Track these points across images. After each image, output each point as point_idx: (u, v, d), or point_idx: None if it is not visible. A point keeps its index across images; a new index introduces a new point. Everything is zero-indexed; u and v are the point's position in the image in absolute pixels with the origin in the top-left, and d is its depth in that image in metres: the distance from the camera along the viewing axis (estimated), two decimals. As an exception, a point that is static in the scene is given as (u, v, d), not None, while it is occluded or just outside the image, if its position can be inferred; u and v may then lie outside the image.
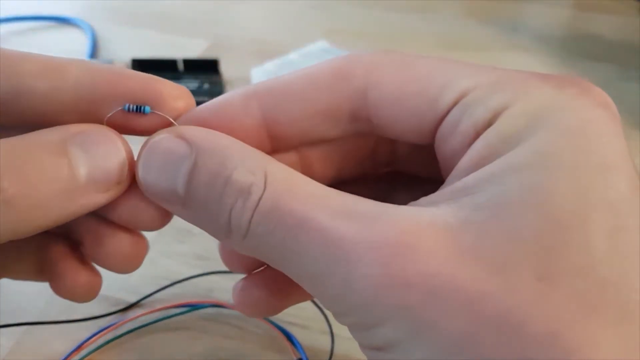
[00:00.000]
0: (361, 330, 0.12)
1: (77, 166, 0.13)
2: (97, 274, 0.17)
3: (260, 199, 0.13)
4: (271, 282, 0.16)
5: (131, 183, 0.15)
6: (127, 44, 0.46)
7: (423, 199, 0.13)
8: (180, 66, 0.39)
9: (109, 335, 0.23)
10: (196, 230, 0.29)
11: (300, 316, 0.25)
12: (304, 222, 0.12)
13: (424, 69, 0.14)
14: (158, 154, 0.14)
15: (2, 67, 0.14)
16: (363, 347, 0.13)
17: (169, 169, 0.13)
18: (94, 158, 0.14)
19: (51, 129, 0.14)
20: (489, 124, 0.13)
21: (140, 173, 0.14)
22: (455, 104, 0.13)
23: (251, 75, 0.40)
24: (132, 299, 0.25)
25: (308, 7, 0.53)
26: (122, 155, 0.14)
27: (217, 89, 0.38)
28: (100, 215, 0.16)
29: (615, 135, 0.12)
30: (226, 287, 0.26)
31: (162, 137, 0.14)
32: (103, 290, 0.25)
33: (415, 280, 0.11)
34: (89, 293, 0.17)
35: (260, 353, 0.23)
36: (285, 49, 0.43)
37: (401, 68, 0.14)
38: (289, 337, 0.23)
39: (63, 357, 0.22)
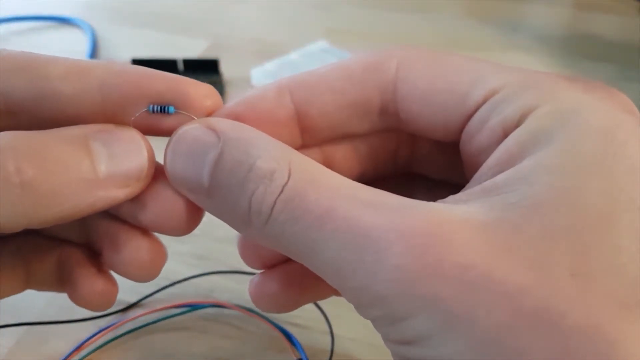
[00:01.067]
0: (388, 323, 0.12)
1: (98, 160, 0.13)
2: (114, 283, 0.17)
3: (284, 186, 0.12)
4: (288, 277, 0.16)
5: (158, 182, 0.15)
6: (127, 44, 0.46)
7: (450, 197, 0.13)
8: (181, 66, 0.39)
9: (109, 335, 0.23)
10: (197, 230, 0.29)
11: (301, 316, 0.25)
12: (330, 211, 0.12)
13: (454, 66, 0.14)
14: (186, 143, 0.14)
15: (27, 70, 0.14)
16: (389, 342, 0.13)
17: (196, 157, 0.13)
18: (115, 154, 0.14)
19: (74, 126, 0.14)
20: (518, 123, 0.13)
21: (168, 161, 0.14)
22: (484, 101, 0.14)
23: (251, 75, 0.40)
24: (132, 299, 0.25)
25: (308, 7, 0.53)
26: (143, 153, 0.14)
27: (217, 89, 0.38)
28: (122, 220, 0.16)
29: None
30: (226, 287, 0.26)
31: (192, 127, 0.14)
32: (103, 290, 0.25)
33: (450, 272, 0.11)
34: (104, 301, 0.17)
35: (260, 353, 0.23)
36: (285, 49, 0.43)
37: (431, 64, 0.14)
38: (289, 337, 0.23)
39: (63, 357, 0.22)
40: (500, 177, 0.12)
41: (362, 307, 0.12)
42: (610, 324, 0.10)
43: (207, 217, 0.31)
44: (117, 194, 0.14)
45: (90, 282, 0.17)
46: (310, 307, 0.25)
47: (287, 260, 0.17)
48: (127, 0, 0.53)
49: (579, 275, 0.11)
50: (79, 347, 0.23)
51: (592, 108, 0.13)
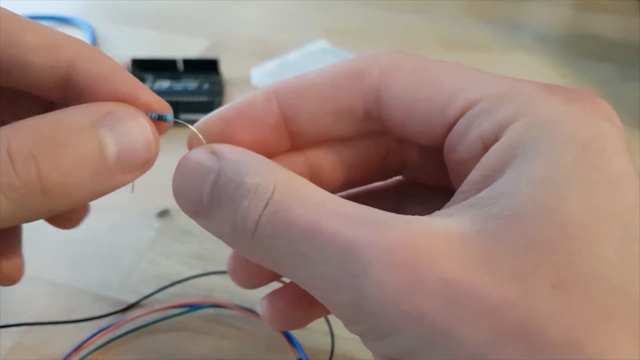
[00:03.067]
0: (374, 339, 0.12)
1: (107, 149, 0.13)
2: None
3: (268, 200, 0.13)
4: (296, 295, 0.17)
5: None
6: (127, 43, 0.46)
7: (437, 212, 0.13)
8: (180, 66, 0.39)
9: (109, 336, 0.23)
10: (196, 230, 0.29)
11: (300, 316, 0.25)
12: (315, 225, 0.12)
13: (436, 75, 0.14)
14: (190, 166, 0.14)
15: (2, 33, 0.14)
16: (377, 357, 0.13)
17: (197, 180, 0.14)
18: (124, 139, 0.14)
19: (80, 108, 0.14)
20: (496, 136, 0.13)
21: (175, 185, 0.14)
22: (462, 114, 0.14)
23: (251, 75, 0.40)
24: (132, 299, 0.25)
25: (308, 7, 0.53)
26: (149, 134, 0.14)
27: (217, 89, 0.38)
28: None
29: (621, 150, 0.12)
30: (226, 287, 0.26)
31: (197, 152, 0.14)
32: (103, 291, 0.25)
33: (432, 287, 0.11)
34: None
35: (260, 353, 0.23)
36: (285, 48, 0.43)
37: (414, 72, 0.14)
38: (288, 337, 0.23)
39: (63, 357, 0.22)
40: (483, 192, 0.12)
41: (349, 323, 0.13)
42: (592, 337, 0.10)
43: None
44: (125, 179, 0.14)
45: None
46: (310, 307, 0.25)
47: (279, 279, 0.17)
48: (126, 0, 0.53)
49: (560, 285, 0.11)
50: (78, 348, 0.23)
51: (570, 119, 0.13)
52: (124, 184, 0.14)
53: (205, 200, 0.14)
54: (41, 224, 0.28)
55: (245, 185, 0.13)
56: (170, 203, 0.30)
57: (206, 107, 0.36)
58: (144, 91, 0.15)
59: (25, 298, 0.25)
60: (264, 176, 0.13)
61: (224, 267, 0.27)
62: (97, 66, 0.14)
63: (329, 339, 0.23)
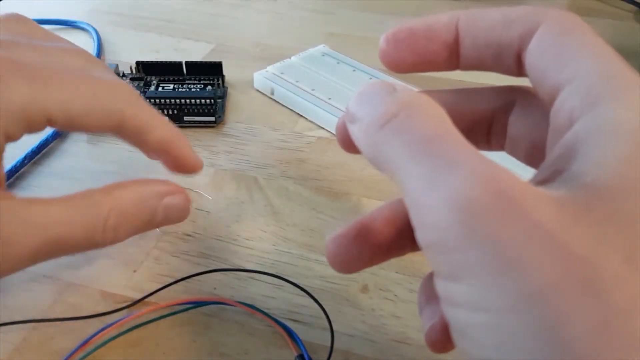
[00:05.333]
0: (440, 251, 0.12)
1: (156, 223, 0.21)
2: None
3: (404, 103, 0.14)
4: (361, 236, 0.17)
5: None
6: (132, 47, 0.47)
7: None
8: (184, 69, 0.40)
9: (114, 332, 0.24)
10: (200, 230, 0.30)
11: (302, 313, 0.25)
12: (434, 138, 0.13)
13: (570, 46, 0.15)
14: (373, 87, 0.15)
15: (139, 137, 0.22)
16: (438, 276, 0.13)
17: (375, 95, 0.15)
18: (169, 219, 0.22)
19: (153, 186, 0.21)
20: (588, 111, 0.13)
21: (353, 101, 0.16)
22: (566, 84, 0.14)
23: (253, 78, 0.41)
24: (137, 296, 0.25)
25: (309, 12, 0.53)
26: (188, 210, 0.22)
27: (219, 92, 0.39)
28: None
29: None
30: (229, 284, 0.26)
31: (377, 80, 0.16)
32: (108, 288, 0.26)
33: (514, 217, 0.11)
34: None
35: (261, 349, 0.24)
36: (286, 52, 0.43)
37: (561, 33, 0.15)
38: (290, 333, 0.24)
39: (69, 354, 0.23)
40: (573, 166, 0.13)
41: (424, 227, 0.13)
42: None
43: (209, 218, 0.32)
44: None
45: None
46: (311, 303, 0.25)
47: (370, 259, 0.17)
48: (132, 4, 0.53)
49: (633, 262, 0.11)
50: (84, 344, 0.23)
51: None
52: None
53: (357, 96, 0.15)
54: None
55: (397, 93, 0.15)
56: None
57: (209, 110, 0.36)
58: (182, 146, 0.23)
59: (32, 295, 0.26)
60: (405, 89, 0.15)
61: (226, 265, 0.27)
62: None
63: (329, 335, 0.24)
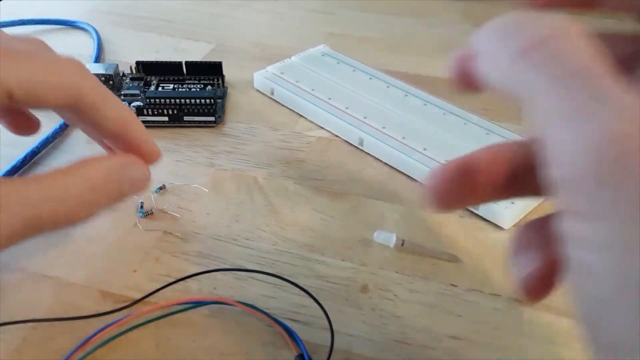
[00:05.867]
0: (579, 189, 0.12)
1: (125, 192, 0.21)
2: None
3: (555, 34, 0.13)
4: (466, 173, 0.16)
5: None
6: (132, 47, 0.47)
7: None
8: (184, 69, 0.40)
9: (114, 332, 0.24)
10: (200, 230, 0.30)
11: (302, 313, 0.25)
12: (582, 71, 0.12)
13: None
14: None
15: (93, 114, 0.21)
16: (568, 215, 0.13)
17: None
18: (135, 186, 0.21)
19: (100, 165, 0.20)
20: None
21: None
22: None
23: (253, 78, 0.41)
24: (137, 296, 0.25)
25: (309, 12, 0.53)
26: (148, 180, 0.22)
27: (219, 92, 0.39)
28: None
29: None
30: (229, 284, 0.26)
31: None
32: (108, 288, 0.26)
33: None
34: None
35: (261, 348, 0.24)
36: (286, 52, 0.43)
37: None
38: (290, 333, 0.24)
39: (69, 353, 0.23)
40: None
41: (562, 163, 0.12)
42: None
43: (209, 218, 0.32)
44: (132, 195, 0.21)
45: None
46: (311, 303, 0.25)
47: (468, 198, 0.17)
48: (132, 4, 0.53)
49: None
50: (84, 343, 0.23)
51: None
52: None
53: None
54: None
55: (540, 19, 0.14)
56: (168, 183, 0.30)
57: (209, 110, 0.36)
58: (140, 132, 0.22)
59: (32, 295, 0.26)
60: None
61: (226, 265, 0.27)
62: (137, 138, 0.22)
63: (329, 335, 0.24)
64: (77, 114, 0.21)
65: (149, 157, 0.22)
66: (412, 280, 0.27)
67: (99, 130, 0.22)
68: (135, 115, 0.23)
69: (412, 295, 0.26)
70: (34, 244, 0.28)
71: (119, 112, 0.22)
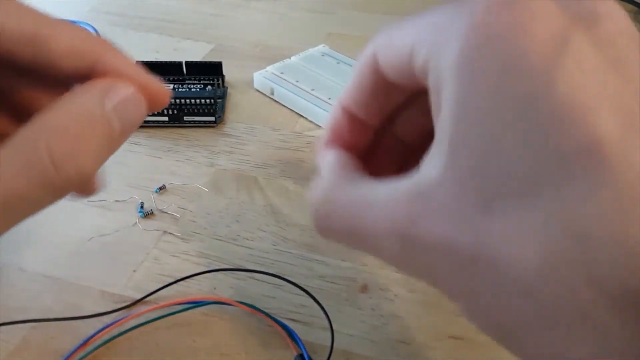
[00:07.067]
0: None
1: (114, 127, 0.16)
2: None
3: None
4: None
5: None
6: (132, 47, 0.47)
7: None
8: (184, 69, 0.40)
9: (114, 332, 0.24)
10: (200, 229, 0.30)
11: (302, 313, 0.25)
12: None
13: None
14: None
15: (32, 44, 0.15)
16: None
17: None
18: (125, 117, 0.16)
19: (86, 94, 0.15)
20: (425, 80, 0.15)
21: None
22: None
23: (253, 78, 0.41)
24: (137, 296, 0.25)
25: (309, 13, 0.54)
26: (144, 110, 0.16)
27: (219, 92, 0.39)
28: None
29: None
30: (228, 284, 0.26)
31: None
32: (108, 288, 0.26)
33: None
34: None
35: (261, 348, 0.23)
36: (286, 52, 0.43)
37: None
38: (290, 333, 0.24)
39: (69, 353, 0.23)
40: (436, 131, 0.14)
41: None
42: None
43: (209, 218, 0.32)
44: (123, 141, 0.16)
45: None
46: (311, 303, 0.25)
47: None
48: (132, 4, 0.53)
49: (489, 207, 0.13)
50: (84, 343, 0.23)
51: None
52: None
53: None
54: (46, 222, 0.29)
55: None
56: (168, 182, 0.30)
57: (209, 110, 0.36)
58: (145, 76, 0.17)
59: (31, 295, 0.26)
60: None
61: (225, 265, 0.27)
62: (114, 68, 0.16)
63: (329, 335, 0.24)
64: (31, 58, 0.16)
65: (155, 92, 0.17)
66: (412, 280, 0.27)
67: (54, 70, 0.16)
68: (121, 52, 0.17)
69: (413, 295, 0.26)
70: (34, 243, 0.28)
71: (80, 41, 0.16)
